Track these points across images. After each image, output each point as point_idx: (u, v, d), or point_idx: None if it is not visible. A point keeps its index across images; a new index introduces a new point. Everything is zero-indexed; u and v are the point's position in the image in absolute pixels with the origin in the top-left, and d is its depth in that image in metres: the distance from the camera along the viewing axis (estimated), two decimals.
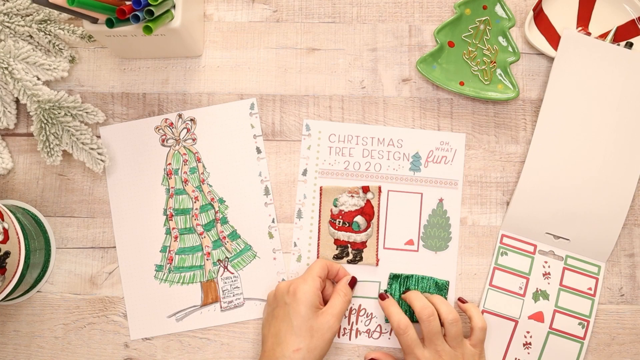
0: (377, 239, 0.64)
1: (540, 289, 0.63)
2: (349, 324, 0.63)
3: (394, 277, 0.63)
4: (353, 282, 0.62)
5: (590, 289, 0.63)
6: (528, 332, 0.62)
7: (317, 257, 0.64)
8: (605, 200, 0.63)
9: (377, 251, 0.64)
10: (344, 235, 0.64)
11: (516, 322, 0.62)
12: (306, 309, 0.56)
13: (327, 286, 0.61)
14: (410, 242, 0.64)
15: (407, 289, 0.63)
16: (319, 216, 0.64)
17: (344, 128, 0.65)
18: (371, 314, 0.63)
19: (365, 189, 0.64)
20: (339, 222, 0.64)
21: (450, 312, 0.58)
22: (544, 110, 0.64)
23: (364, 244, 0.64)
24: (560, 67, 0.63)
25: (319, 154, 0.65)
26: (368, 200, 0.64)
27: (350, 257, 0.64)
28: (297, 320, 0.55)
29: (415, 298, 0.59)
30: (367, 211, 0.64)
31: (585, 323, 0.62)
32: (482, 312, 0.62)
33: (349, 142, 0.65)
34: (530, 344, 0.62)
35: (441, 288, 0.63)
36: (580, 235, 0.63)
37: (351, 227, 0.64)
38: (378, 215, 0.64)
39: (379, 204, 0.64)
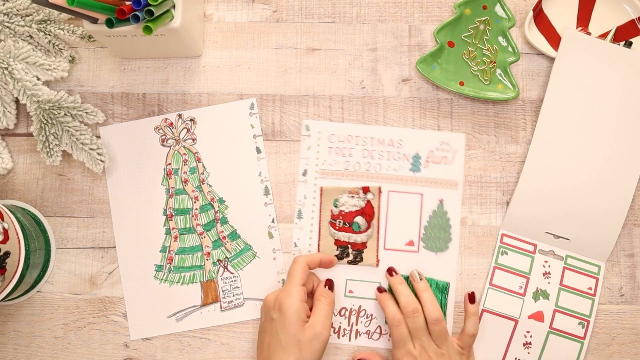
0: (378, 240, 0.64)
1: (540, 289, 0.63)
2: (349, 325, 0.63)
3: None
4: (331, 284, 0.61)
5: (590, 288, 0.63)
6: (528, 332, 0.62)
7: None
8: (605, 200, 0.63)
9: (377, 252, 0.64)
10: (344, 236, 0.64)
11: (516, 322, 0.62)
12: (292, 324, 0.55)
13: (312, 279, 0.61)
14: (411, 243, 0.64)
15: None
16: (319, 216, 0.64)
17: (343, 128, 0.65)
18: (371, 315, 0.63)
19: (366, 190, 0.64)
20: (339, 222, 0.64)
21: (434, 311, 0.58)
22: (544, 110, 0.64)
23: (364, 244, 0.64)
24: (561, 67, 0.63)
25: (318, 154, 0.65)
26: (368, 201, 0.64)
27: (351, 257, 0.64)
28: (284, 336, 0.55)
29: (401, 293, 0.60)
30: (368, 212, 0.64)
31: (585, 323, 0.62)
32: (482, 311, 0.62)
33: (349, 143, 0.65)
34: (530, 343, 0.62)
35: (442, 290, 0.63)
36: (580, 235, 0.63)
37: (351, 227, 0.64)
38: (378, 216, 0.64)
39: (379, 204, 0.64)
